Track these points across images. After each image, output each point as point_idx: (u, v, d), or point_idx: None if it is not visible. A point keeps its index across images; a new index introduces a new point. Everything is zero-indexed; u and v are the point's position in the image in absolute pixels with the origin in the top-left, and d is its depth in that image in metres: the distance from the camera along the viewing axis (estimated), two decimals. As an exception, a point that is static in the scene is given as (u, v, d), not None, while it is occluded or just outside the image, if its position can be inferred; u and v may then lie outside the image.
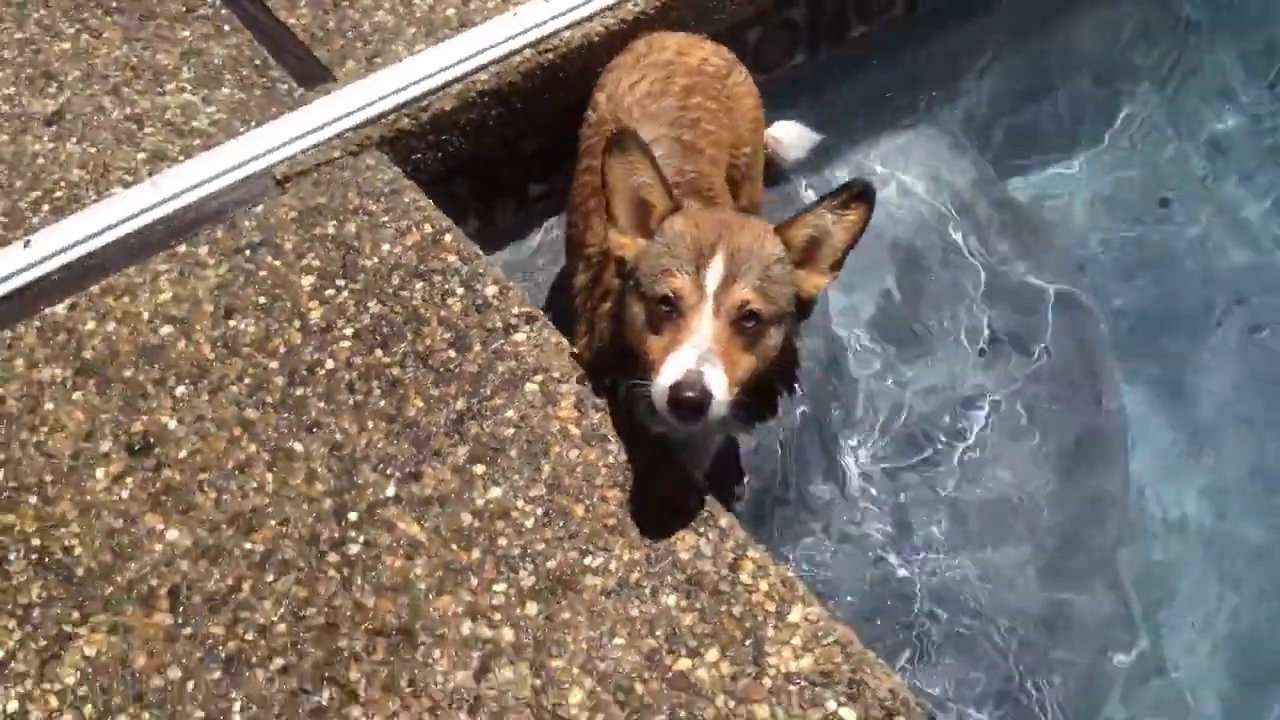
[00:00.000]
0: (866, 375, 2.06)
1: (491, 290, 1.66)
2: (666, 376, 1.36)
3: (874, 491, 1.93)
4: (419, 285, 1.68)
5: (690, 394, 1.32)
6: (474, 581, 1.39)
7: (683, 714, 1.28)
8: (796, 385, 1.55)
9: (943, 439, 1.99)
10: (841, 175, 2.25)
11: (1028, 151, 2.45)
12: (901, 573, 1.88)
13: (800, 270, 1.45)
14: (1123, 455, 2.05)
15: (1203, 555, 1.94)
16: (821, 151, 2.24)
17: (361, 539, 1.44)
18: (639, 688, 1.30)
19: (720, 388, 1.36)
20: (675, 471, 1.50)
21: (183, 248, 1.76)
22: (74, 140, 1.93)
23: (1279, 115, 2.46)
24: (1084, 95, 2.49)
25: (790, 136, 2.12)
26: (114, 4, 2.12)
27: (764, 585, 1.36)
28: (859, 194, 1.42)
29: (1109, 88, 2.52)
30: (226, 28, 2.06)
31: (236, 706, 1.32)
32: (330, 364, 1.60)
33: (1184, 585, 1.92)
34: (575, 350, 1.62)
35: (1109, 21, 2.55)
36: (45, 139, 1.94)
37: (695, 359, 1.36)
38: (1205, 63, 2.50)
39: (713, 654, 1.32)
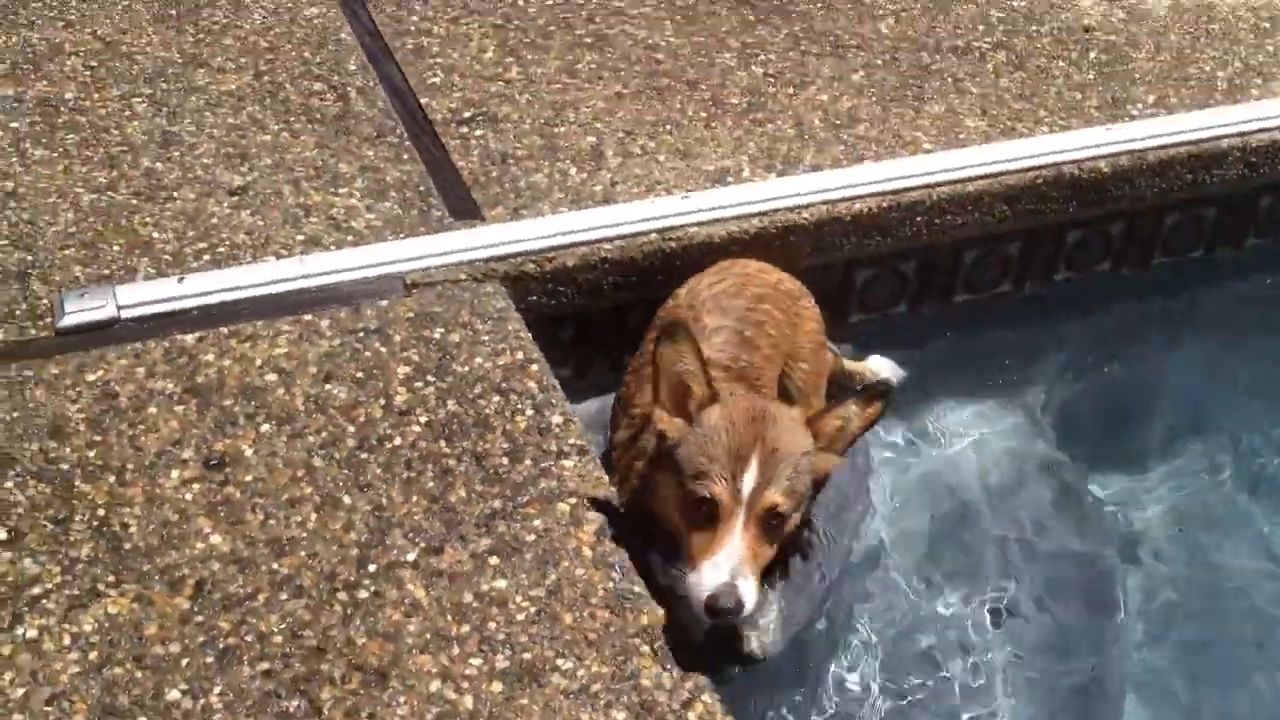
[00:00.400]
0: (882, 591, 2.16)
1: (556, 419, 1.85)
2: (704, 585, 1.55)
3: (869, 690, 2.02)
4: (495, 398, 1.87)
5: (726, 605, 1.53)
6: (455, 650, 1.53)
7: None
8: (810, 551, 1.70)
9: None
10: (916, 422, 2.41)
11: (1103, 454, 2.56)
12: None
13: (820, 455, 1.62)
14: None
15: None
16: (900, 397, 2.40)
17: (372, 588, 1.59)
18: (567, 782, 1.41)
19: (751, 596, 1.54)
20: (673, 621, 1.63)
21: (308, 317, 2.00)
22: (248, 212, 2.21)
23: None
24: (1174, 413, 2.61)
25: (883, 367, 2.31)
26: (318, 116, 2.44)
27: None
28: (882, 393, 1.59)
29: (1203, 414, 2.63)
30: (405, 156, 2.35)
31: (216, 690, 1.47)
32: (398, 440, 1.80)
33: None
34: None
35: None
36: (225, 205, 2.23)
37: (729, 571, 1.55)
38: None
39: (643, 775, 1.42)
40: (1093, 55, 2.76)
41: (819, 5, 2.89)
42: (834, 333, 2.44)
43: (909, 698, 2.06)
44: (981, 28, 2.85)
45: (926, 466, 2.43)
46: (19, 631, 1.52)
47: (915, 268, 2.47)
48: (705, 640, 1.74)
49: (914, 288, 2.50)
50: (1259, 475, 2.53)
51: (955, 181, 2.37)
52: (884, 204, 2.33)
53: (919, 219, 2.36)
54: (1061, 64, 2.72)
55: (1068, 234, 2.56)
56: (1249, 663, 2.26)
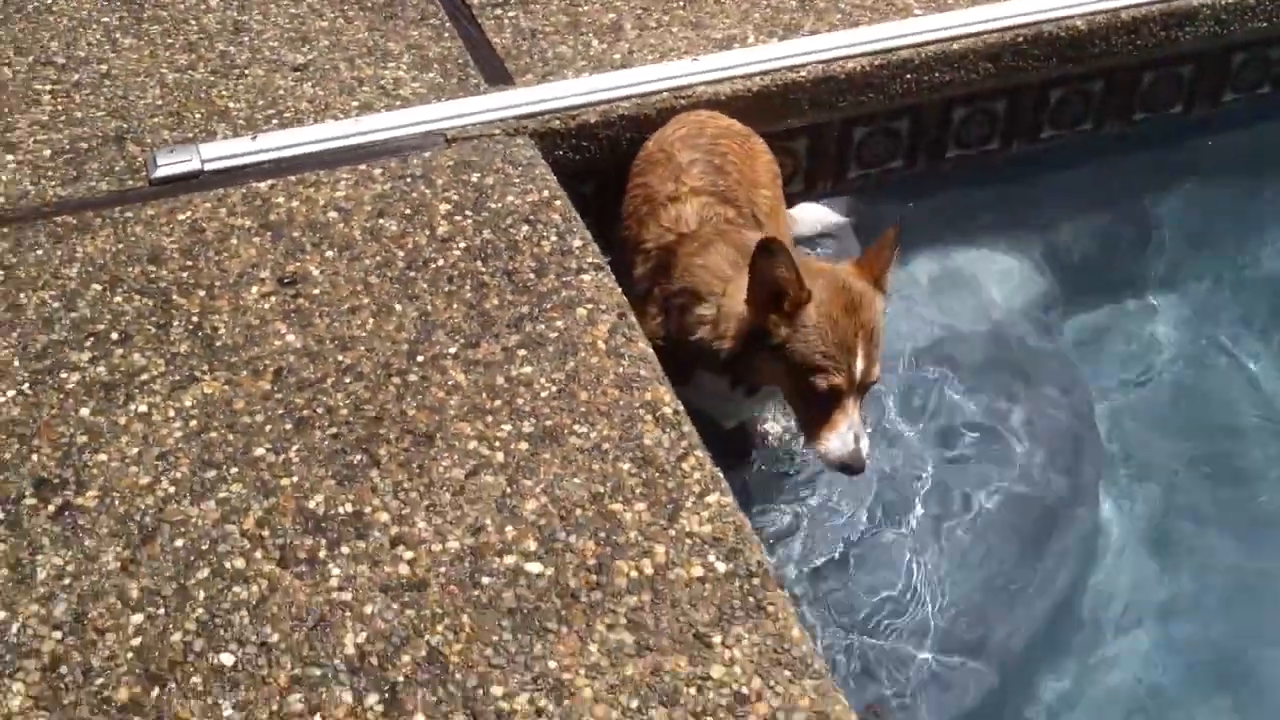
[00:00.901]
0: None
1: (577, 243, 2.15)
2: (836, 453, 1.91)
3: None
4: (524, 227, 2.18)
5: (858, 466, 1.90)
6: (489, 419, 1.85)
7: (602, 535, 1.69)
8: None
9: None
10: (913, 268, 2.67)
11: (1101, 291, 2.80)
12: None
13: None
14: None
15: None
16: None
17: (420, 374, 1.91)
18: (578, 511, 1.72)
19: (868, 448, 1.90)
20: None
21: (362, 166, 2.31)
22: (309, 85, 2.52)
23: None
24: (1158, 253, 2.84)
25: (811, 212, 2.56)
26: (369, 4, 2.75)
27: (697, 474, 1.78)
28: (895, 233, 1.91)
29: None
30: (445, 35, 2.65)
31: (294, 449, 1.80)
32: (440, 262, 2.11)
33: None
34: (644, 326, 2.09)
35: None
36: (289, 79, 2.54)
37: (853, 438, 1.90)
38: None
39: (640, 506, 1.73)
40: (1078, -71, 2.96)
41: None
42: (835, 187, 2.71)
43: (880, 519, 2.33)
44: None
45: (922, 307, 2.70)
46: (131, 407, 1.86)
47: (908, 126, 2.73)
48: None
49: (907, 145, 2.76)
50: (1243, 309, 2.77)
51: (941, 40, 2.62)
52: (875, 63, 2.59)
53: (908, 76, 2.61)
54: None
55: (1050, 92, 2.80)
56: (1230, 500, 2.50)
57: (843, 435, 1.90)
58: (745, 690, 1.51)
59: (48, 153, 2.34)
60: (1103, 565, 2.26)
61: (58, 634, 1.57)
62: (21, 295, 2.04)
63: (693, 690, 1.51)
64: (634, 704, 1.49)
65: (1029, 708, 2.08)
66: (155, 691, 1.51)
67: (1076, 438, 2.48)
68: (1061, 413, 2.43)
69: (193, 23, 2.69)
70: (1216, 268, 2.78)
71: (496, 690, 1.51)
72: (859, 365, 1.89)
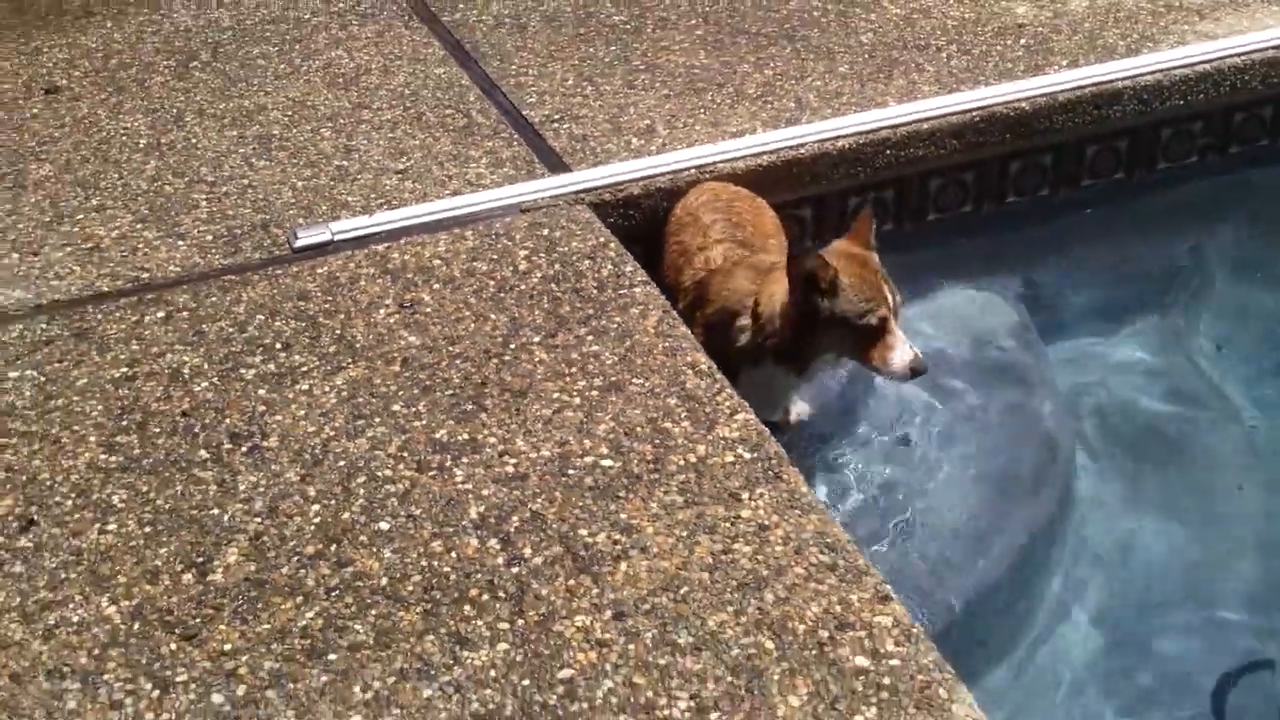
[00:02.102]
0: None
1: (629, 268, 2.76)
2: (902, 360, 2.45)
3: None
4: (587, 261, 2.80)
5: (921, 366, 2.47)
6: (567, 379, 2.43)
7: (657, 441, 2.25)
8: None
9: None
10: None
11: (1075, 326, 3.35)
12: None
13: None
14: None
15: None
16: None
17: (512, 355, 2.51)
18: (638, 429, 2.29)
19: (922, 352, 2.46)
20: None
21: (457, 230, 2.95)
22: (410, 181, 3.19)
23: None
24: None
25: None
26: (450, 128, 3.44)
27: (727, 404, 2.34)
28: (871, 212, 2.56)
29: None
30: (514, 144, 3.32)
31: (421, 404, 2.38)
32: (522, 287, 2.73)
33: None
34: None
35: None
36: (394, 179, 3.21)
37: (909, 348, 2.47)
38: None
39: (685, 423, 2.29)
40: (1023, 41, 3.66)
41: (814, 29, 3.85)
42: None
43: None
44: (939, 32, 3.77)
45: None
46: (297, 387, 2.46)
47: (893, 195, 3.36)
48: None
49: (894, 211, 3.38)
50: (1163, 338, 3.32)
51: (913, 122, 3.27)
52: (860, 141, 3.23)
53: (888, 152, 3.26)
54: (998, 48, 3.63)
55: (1010, 164, 3.44)
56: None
57: (902, 350, 2.47)
58: (766, 523, 2.05)
59: (210, 238, 3.00)
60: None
61: (258, 520, 2.14)
62: (203, 326, 2.67)
63: (727, 524, 2.05)
64: (684, 534, 2.03)
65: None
66: (333, 547, 2.07)
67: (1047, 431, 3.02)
68: (1033, 404, 2.97)
69: (312, 149, 3.39)
70: (1157, 298, 3.35)
71: (583, 532, 2.06)
72: (891, 297, 2.48)
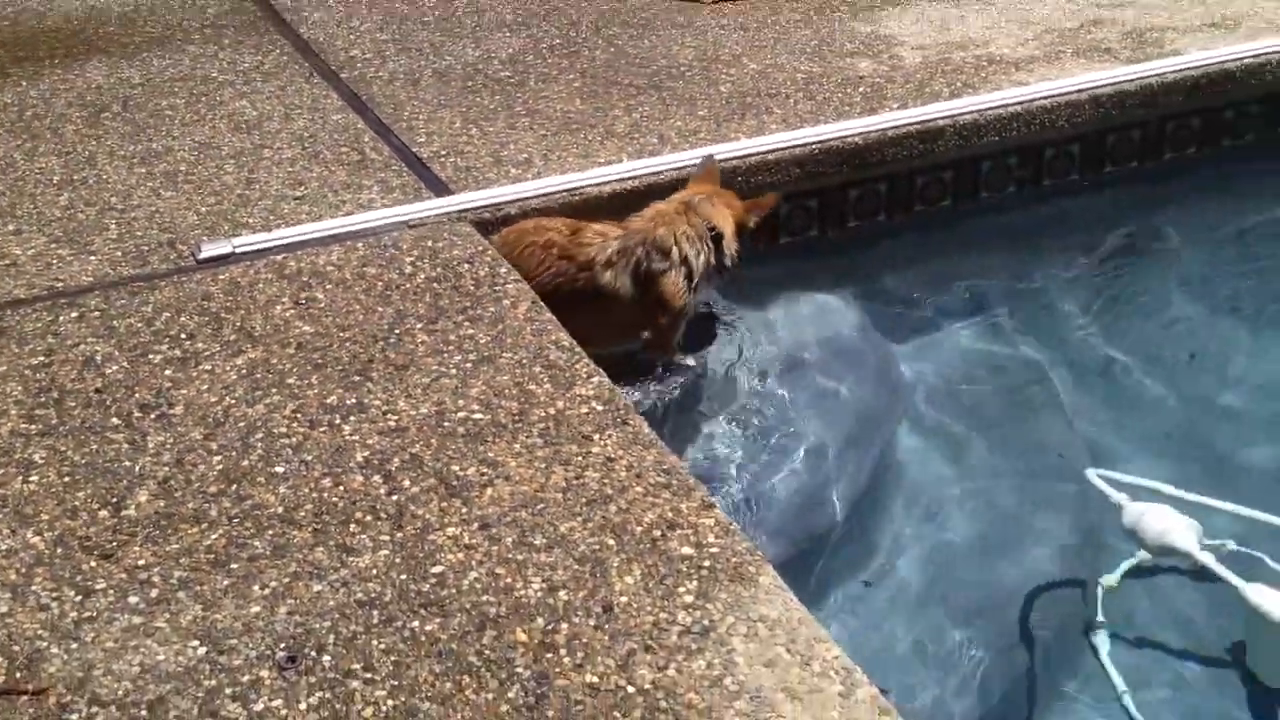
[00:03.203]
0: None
1: (504, 270, 3.11)
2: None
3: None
4: (466, 265, 3.13)
5: None
6: (444, 356, 2.75)
7: (522, 399, 2.58)
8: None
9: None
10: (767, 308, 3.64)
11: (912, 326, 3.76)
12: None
13: None
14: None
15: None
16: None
17: (396, 338, 2.82)
18: (506, 390, 2.61)
19: None
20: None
21: (349, 243, 3.28)
22: (307, 205, 3.51)
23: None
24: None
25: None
26: (346, 163, 3.79)
27: (584, 370, 2.69)
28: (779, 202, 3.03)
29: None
30: (404, 174, 3.67)
31: (314, 378, 2.69)
32: (407, 286, 3.04)
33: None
34: None
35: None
36: (292, 204, 3.54)
37: None
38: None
39: (547, 385, 2.62)
40: (861, 90, 4.12)
41: (680, 81, 4.28)
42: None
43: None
44: (789, 84, 4.22)
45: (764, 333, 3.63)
46: (201, 367, 2.75)
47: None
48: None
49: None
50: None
51: (760, 154, 3.68)
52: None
53: (739, 180, 3.66)
54: (840, 96, 4.08)
55: (850, 191, 3.86)
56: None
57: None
58: (612, 455, 2.39)
59: (119, 254, 3.30)
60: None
61: (166, 468, 2.43)
62: (113, 323, 2.95)
63: (579, 458, 2.38)
64: (542, 465, 2.36)
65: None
66: (234, 487, 2.36)
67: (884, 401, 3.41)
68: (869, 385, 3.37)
69: (216, 182, 3.70)
70: (982, 306, 3.78)
71: (455, 467, 2.38)
72: None
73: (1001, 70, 4.20)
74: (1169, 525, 2.69)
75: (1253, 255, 4.01)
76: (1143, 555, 2.77)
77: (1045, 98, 3.93)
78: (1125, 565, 2.80)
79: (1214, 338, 3.62)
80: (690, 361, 3.35)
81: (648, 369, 3.25)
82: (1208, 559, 2.62)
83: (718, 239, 3.20)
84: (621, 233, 3.19)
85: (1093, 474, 2.86)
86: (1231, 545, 2.70)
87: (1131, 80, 4.03)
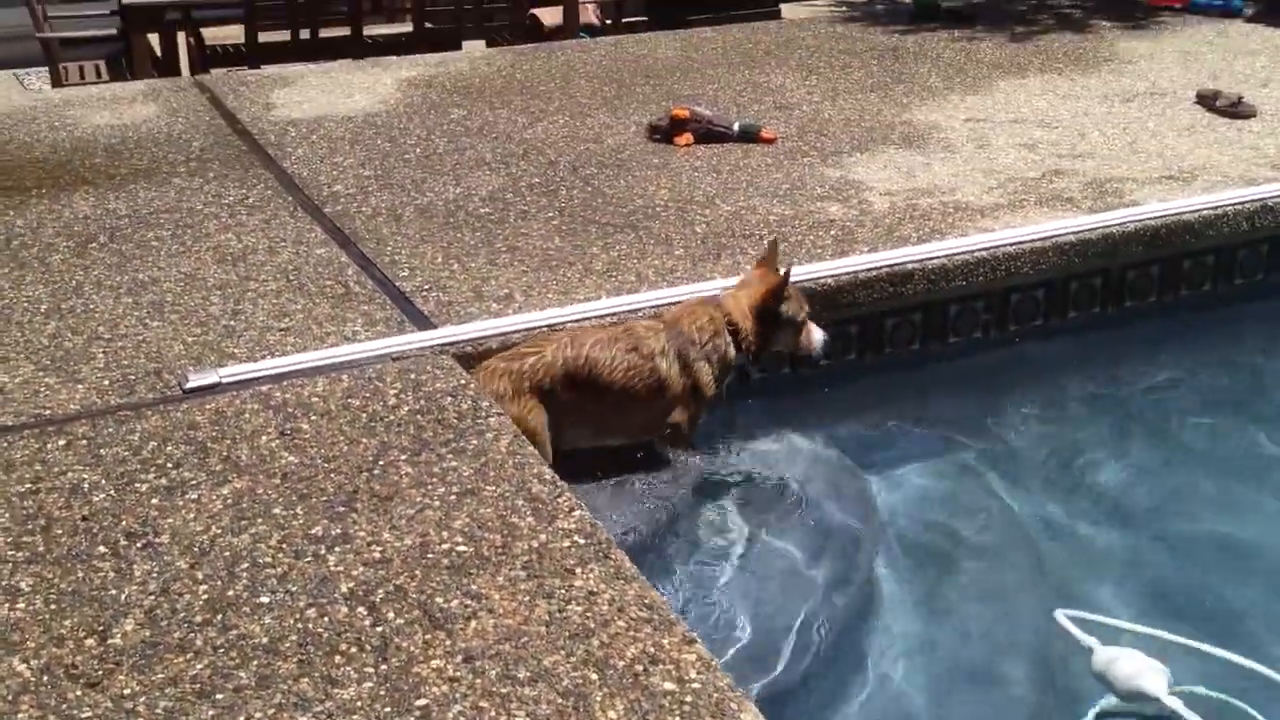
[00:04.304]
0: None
1: (485, 404, 3.18)
2: (821, 338, 3.57)
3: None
4: (449, 399, 3.20)
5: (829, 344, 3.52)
6: (428, 488, 2.80)
7: (506, 532, 2.64)
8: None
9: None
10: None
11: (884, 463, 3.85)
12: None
13: None
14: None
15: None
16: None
17: (380, 470, 2.88)
18: (489, 523, 2.67)
19: None
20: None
21: (334, 374, 3.35)
22: (292, 337, 3.59)
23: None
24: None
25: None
26: (330, 296, 3.88)
27: (566, 504, 2.75)
28: (776, 244, 3.46)
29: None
30: (387, 308, 3.75)
31: (299, 508, 2.74)
32: (391, 418, 3.11)
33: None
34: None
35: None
36: (277, 335, 3.62)
37: (822, 332, 3.54)
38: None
39: (530, 519, 2.69)
40: (832, 233, 4.26)
41: (656, 221, 4.41)
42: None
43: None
44: (763, 225, 4.36)
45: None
46: (187, 495, 2.80)
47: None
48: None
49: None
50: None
51: (735, 294, 3.79)
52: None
53: (714, 318, 3.76)
54: (811, 238, 4.22)
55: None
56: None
57: (820, 332, 3.58)
58: (595, 590, 2.43)
59: (107, 382, 3.35)
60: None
61: (152, 597, 2.45)
62: (100, 451, 2.99)
63: (562, 591, 2.42)
64: (526, 599, 2.40)
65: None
66: (219, 616, 2.39)
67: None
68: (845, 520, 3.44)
69: (202, 312, 3.78)
70: (951, 445, 3.88)
71: (439, 599, 2.42)
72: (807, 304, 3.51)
73: (967, 217, 4.35)
74: (1138, 669, 2.75)
75: (1208, 399, 4.14)
76: (1110, 699, 2.81)
77: (1011, 244, 4.07)
78: (1094, 710, 2.84)
79: (1175, 481, 3.71)
80: (698, 459, 3.53)
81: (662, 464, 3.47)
82: (1176, 704, 2.67)
83: (735, 330, 3.45)
84: (664, 326, 3.43)
85: (1061, 615, 2.92)
86: (1201, 690, 2.75)
87: (1093, 229, 4.18)
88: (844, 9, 8.27)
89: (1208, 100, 5.45)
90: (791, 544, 3.31)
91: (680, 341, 3.39)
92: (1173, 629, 2.85)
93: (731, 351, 3.48)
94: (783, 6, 8.76)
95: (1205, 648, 2.80)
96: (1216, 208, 4.35)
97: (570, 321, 3.61)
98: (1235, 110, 5.31)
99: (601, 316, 3.64)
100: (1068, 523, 3.59)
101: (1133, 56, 6.63)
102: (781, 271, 3.49)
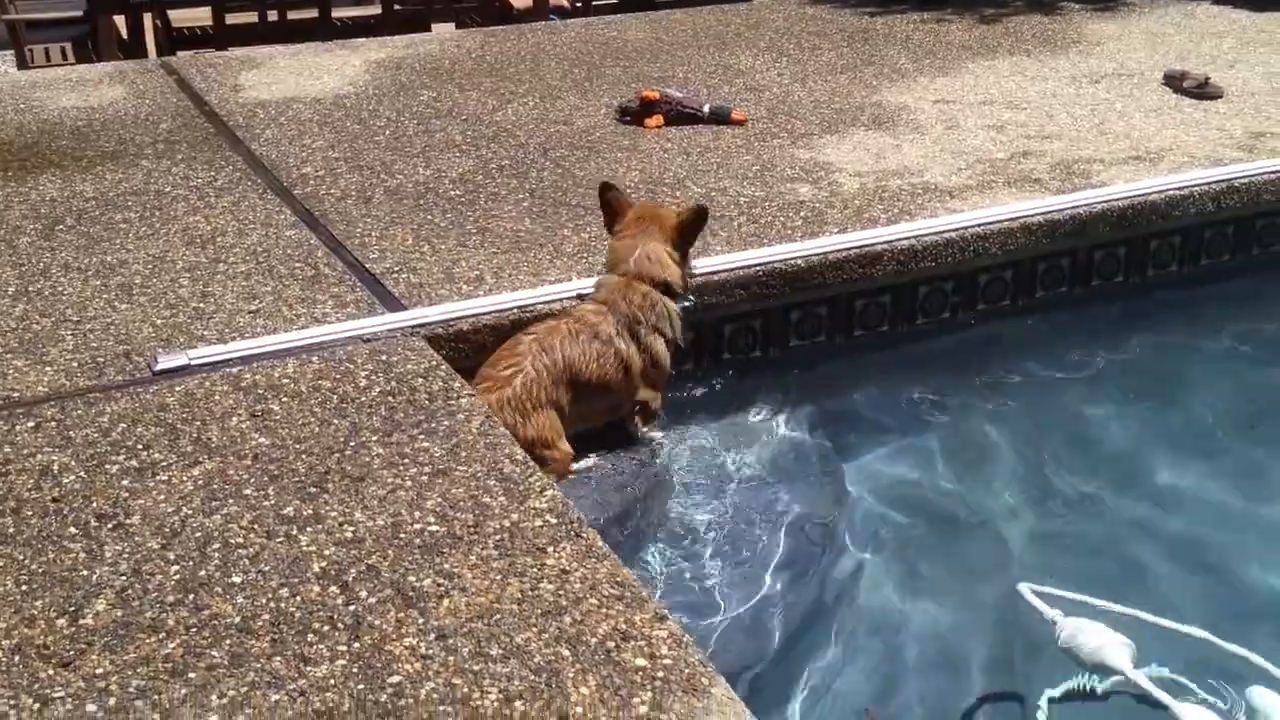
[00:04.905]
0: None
1: (456, 384, 3.18)
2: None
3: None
4: (420, 380, 3.21)
5: None
6: (400, 469, 2.80)
7: (479, 512, 2.65)
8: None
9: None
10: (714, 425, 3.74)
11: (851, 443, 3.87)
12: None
13: None
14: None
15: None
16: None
17: (352, 452, 2.87)
18: (461, 503, 2.67)
19: None
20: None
21: (304, 356, 3.34)
22: (262, 319, 3.57)
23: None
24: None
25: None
26: (300, 277, 3.87)
27: (538, 483, 2.76)
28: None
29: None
30: (358, 291, 3.75)
31: (270, 489, 2.74)
32: (362, 399, 3.11)
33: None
34: None
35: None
36: (247, 317, 3.60)
37: None
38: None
39: (502, 498, 2.69)
40: (802, 214, 4.28)
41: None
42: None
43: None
44: (733, 207, 4.37)
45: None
46: (159, 477, 2.79)
47: (690, 338, 3.87)
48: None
49: (692, 352, 3.88)
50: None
51: (705, 274, 3.80)
52: (660, 289, 3.75)
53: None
54: (781, 219, 4.23)
55: (791, 313, 3.99)
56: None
57: None
58: (567, 568, 2.44)
59: (75, 364, 3.33)
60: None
61: (123, 578, 2.45)
62: (70, 433, 2.98)
63: (534, 570, 2.43)
64: (498, 578, 2.41)
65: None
66: (191, 597, 2.39)
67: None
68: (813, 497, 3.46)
69: (171, 294, 3.76)
70: (919, 424, 3.90)
71: (411, 578, 2.42)
72: None
73: (936, 198, 4.38)
74: (1103, 642, 2.78)
75: (1174, 377, 4.18)
76: (1077, 674, 2.84)
77: (978, 225, 4.10)
78: (1065, 686, 2.87)
79: (1140, 459, 3.76)
80: (659, 435, 3.55)
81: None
82: (1140, 677, 2.71)
83: (666, 287, 3.49)
84: (606, 308, 3.46)
85: (1025, 588, 2.95)
86: (1166, 672, 2.78)
87: (1061, 210, 4.21)
88: (814, -9, 8.27)
89: (1175, 81, 5.49)
90: (761, 524, 3.33)
91: (627, 321, 3.43)
92: (1142, 608, 2.88)
93: (674, 306, 3.51)
94: (752, -12, 8.74)
95: (1170, 624, 2.83)
96: (1183, 188, 4.39)
97: (541, 303, 3.61)
98: (1202, 91, 5.34)
99: (573, 298, 3.63)
100: (1036, 502, 3.62)
101: (1101, 38, 6.66)
102: (675, 208, 3.68)
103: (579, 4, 9.10)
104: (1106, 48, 6.47)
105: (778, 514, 3.44)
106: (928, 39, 6.72)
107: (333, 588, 2.37)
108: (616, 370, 3.39)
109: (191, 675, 2.16)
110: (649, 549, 3.24)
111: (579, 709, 2.06)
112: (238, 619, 2.30)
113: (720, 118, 5.20)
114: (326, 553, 2.48)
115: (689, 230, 3.50)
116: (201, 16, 8.01)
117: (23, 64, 7.78)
